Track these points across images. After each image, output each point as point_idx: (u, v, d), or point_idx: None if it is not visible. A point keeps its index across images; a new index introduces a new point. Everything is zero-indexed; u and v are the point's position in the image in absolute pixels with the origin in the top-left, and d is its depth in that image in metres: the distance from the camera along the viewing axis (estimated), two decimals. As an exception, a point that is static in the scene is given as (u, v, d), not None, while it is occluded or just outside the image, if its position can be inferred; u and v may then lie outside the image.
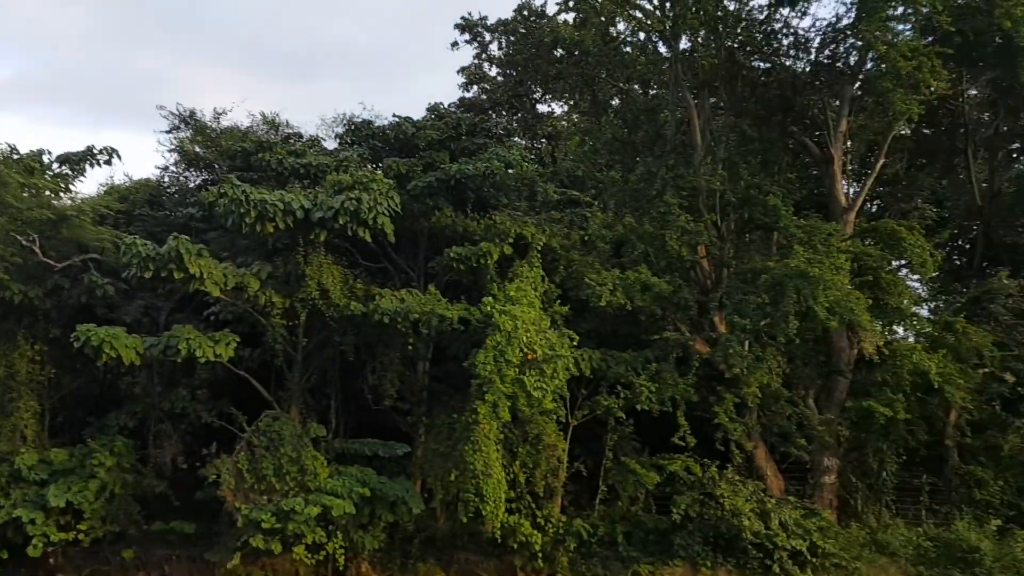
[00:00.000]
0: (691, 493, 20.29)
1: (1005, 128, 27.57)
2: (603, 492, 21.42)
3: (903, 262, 23.38)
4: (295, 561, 19.93)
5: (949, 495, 22.31)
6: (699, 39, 23.43)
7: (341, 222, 20.35)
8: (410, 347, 21.85)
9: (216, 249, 21.64)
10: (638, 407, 20.24)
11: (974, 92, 27.69)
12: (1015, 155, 29.59)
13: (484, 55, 30.78)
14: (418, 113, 26.98)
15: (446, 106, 28.27)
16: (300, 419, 21.66)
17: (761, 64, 24.30)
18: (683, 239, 21.53)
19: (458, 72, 31.40)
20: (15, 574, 20.65)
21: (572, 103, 30.90)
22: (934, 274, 24.61)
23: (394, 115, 26.74)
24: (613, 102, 26.95)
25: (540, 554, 20.23)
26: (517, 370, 18.69)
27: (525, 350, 18.77)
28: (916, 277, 24.29)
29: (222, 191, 20.19)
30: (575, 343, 20.05)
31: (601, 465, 21.35)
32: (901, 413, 20.81)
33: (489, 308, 19.44)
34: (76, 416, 24.04)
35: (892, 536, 20.72)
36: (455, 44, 29.62)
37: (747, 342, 20.88)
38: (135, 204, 26.83)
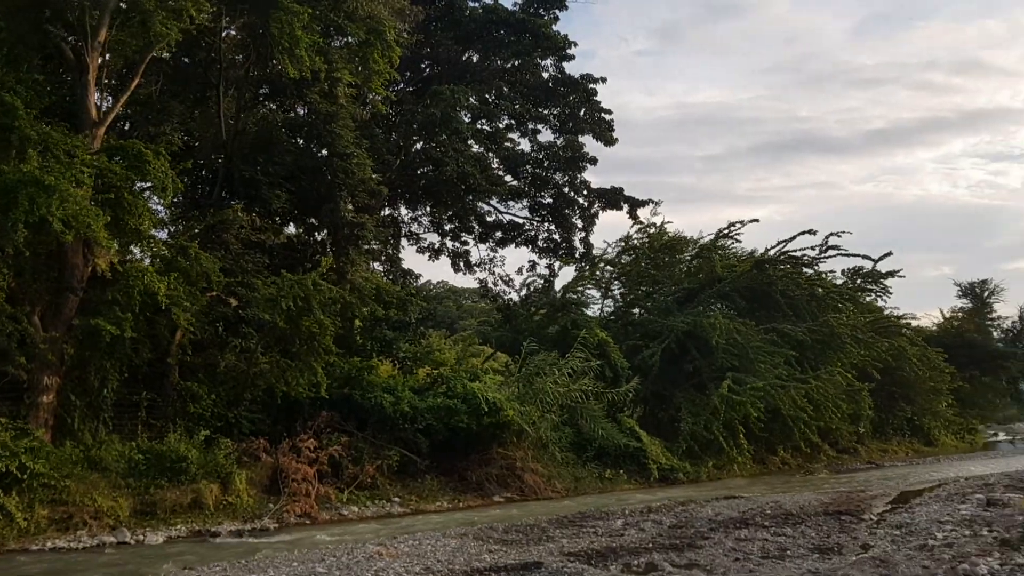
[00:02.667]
0: None
1: (255, 72, 29.91)
2: None
3: (147, 184, 23.60)
4: None
5: (166, 410, 23.61)
6: None
7: None
8: None
9: None
10: None
11: (232, 32, 29.35)
12: (261, 99, 32.45)
13: None
14: None
15: None
16: None
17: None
18: None
19: None
20: None
21: None
22: (176, 199, 25.57)
23: None
24: None
25: None
26: None
27: None
28: (158, 200, 24.82)
29: None
30: None
31: None
32: (128, 332, 21.14)
33: None
34: None
35: (106, 452, 21.00)
36: None
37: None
38: None
